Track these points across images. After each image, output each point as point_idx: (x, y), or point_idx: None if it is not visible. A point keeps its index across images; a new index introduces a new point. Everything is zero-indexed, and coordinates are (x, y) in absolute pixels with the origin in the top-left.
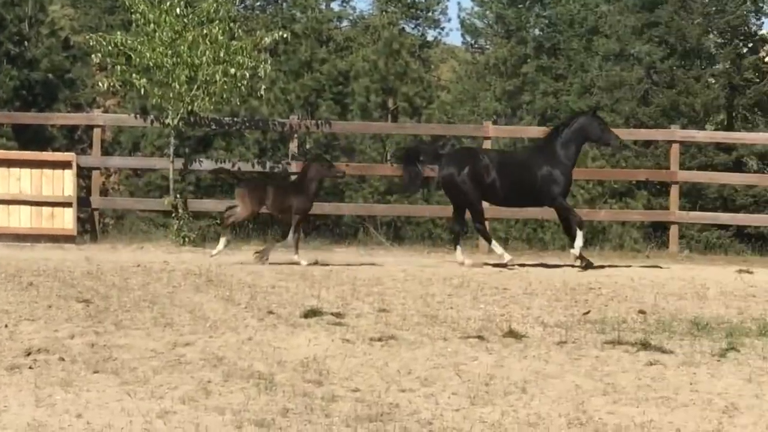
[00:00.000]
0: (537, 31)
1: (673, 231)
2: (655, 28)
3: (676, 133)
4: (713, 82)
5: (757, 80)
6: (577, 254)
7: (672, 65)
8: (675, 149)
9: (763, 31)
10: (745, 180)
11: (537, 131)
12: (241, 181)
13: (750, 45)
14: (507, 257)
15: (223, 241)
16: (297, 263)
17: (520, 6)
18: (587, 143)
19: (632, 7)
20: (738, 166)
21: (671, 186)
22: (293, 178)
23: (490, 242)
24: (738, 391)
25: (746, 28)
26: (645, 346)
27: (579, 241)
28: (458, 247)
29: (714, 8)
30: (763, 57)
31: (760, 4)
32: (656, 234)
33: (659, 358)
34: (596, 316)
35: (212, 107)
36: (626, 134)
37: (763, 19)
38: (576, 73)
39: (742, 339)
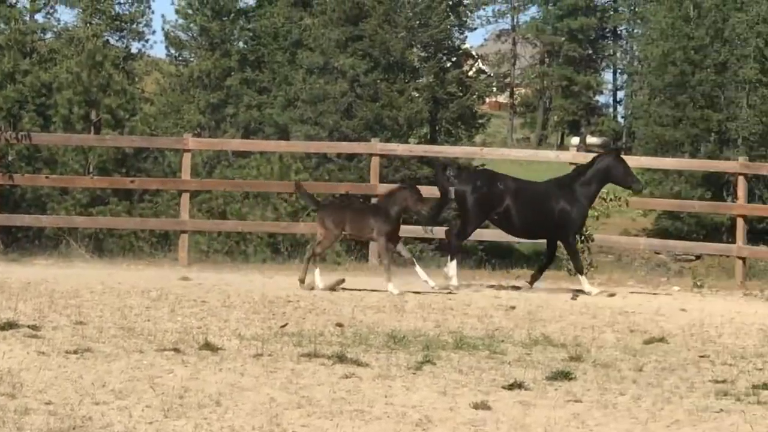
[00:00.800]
0: (241, 44)
1: (373, 246)
2: (360, 41)
3: (376, 146)
4: (417, 95)
5: (461, 94)
6: (593, 293)
7: (376, 78)
8: (375, 162)
9: (467, 45)
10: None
11: (239, 144)
12: (320, 205)
13: (453, 59)
14: (455, 282)
15: (317, 272)
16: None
17: (224, 18)
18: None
19: (336, 20)
20: None
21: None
22: (376, 200)
23: (451, 260)
24: (432, 404)
25: (450, 42)
26: (341, 359)
27: (586, 286)
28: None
29: (418, 22)
30: (467, 71)
31: (464, 19)
32: (356, 247)
33: (355, 371)
34: (294, 328)
35: None
36: (327, 147)
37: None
38: (280, 86)
39: (438, 352)
